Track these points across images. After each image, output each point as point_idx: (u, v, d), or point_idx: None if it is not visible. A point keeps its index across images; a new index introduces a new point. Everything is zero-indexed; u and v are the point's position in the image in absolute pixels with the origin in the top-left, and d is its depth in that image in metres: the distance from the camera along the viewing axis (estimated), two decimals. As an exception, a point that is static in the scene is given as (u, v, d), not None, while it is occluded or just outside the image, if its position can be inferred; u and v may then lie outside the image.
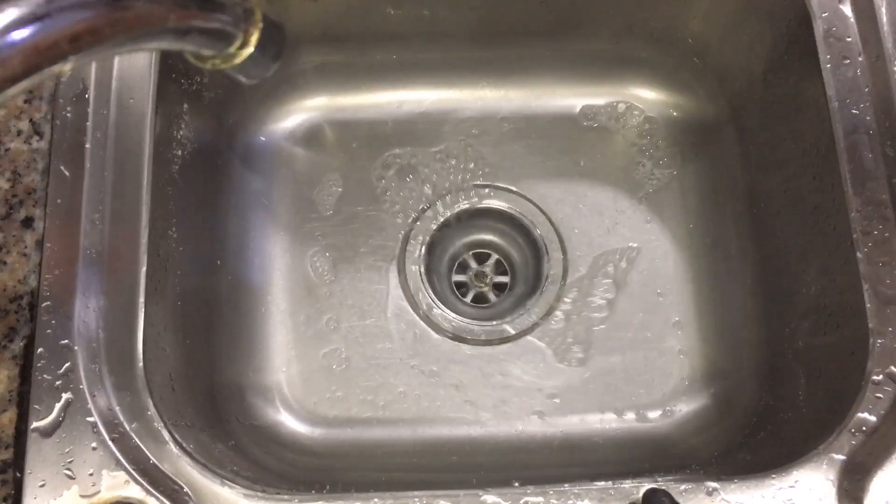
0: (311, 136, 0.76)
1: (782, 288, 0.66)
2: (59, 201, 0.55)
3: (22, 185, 0.55)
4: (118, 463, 0.50)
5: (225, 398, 0.66)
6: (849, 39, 0.59)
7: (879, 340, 0.53)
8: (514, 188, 0.75)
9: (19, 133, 0.56)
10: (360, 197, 0.75)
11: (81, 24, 0.22)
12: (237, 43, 0.28)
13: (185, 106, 0.65)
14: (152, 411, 0.52)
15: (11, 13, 0.21)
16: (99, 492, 0.50)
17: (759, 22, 0.66)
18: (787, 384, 0.64)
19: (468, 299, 0.75)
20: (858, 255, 0.55)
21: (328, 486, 0.60)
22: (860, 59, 0.59)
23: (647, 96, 0.77)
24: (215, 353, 0.67)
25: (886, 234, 0.55)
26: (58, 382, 0.52)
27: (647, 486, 0.50)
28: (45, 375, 0.52)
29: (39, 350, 0.52)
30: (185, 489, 0.50)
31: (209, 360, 0.66)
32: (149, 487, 0.50)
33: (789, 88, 0.65)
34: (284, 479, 0.63)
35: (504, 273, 0.76)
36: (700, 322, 0.71)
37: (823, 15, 0.60)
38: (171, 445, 0.51)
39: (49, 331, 0.52)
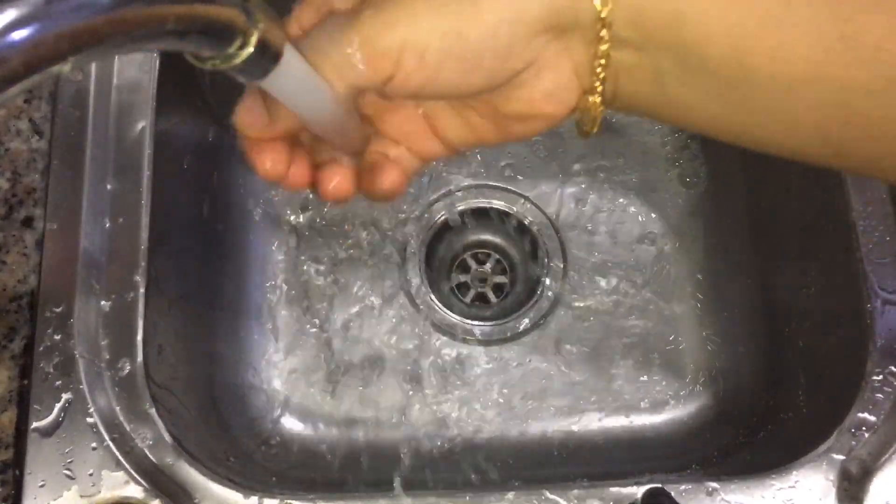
0: (311, 136, 0.76)
1: (782, 288, 0.66)
2: (59, 201, 0.55)
3: (22, 185, 0.55)
4: (118, 463, 0.50)
5: (225, 398, 0.66)
6: (849, 39, 0.59)
7: (879, 340, 0.53)
8: (514, 188, 0.75)
9: (19, 133, 0.56)
10: (360, 197, 0.74)
11: (81, 25, 0.22)
12: (237, 43, 0.28)
13: (185, 106, 0.65)
14: (152, 411, 0.52)
15: (11, 13, 0.21)
16: (99, 492, 0.50)
17: (759, 22, 0.66)
18: (787, 384, 0.63)
19: (468, 300, 0.75)
20: (858, 255, 0.55)
21: (328, 486, 0.60)
22: (860, 59, 0.59)
23: (647, 96, 0.77)
24: (215, 353, 0.67)
25: (886, 235, 0.55)
26: (58, 382, 0.52)
27: (647, 486, 0.50)
28: (45, 375, 0.52)
29: (39, 350, 0.52)
30: (186, 489, 0.50)
31: (209, 360, 0.66)
32: (149, 487, 0.50)
33: (789, 88, 0.64)
34: (284, 479, 0.63)
35: (504, 273, 0.76)
36: (700, 322, 0.71)
37: (823, 15, 0.60)
38: (172, 445, 0.51)
39: (49, 330, 0.52)
